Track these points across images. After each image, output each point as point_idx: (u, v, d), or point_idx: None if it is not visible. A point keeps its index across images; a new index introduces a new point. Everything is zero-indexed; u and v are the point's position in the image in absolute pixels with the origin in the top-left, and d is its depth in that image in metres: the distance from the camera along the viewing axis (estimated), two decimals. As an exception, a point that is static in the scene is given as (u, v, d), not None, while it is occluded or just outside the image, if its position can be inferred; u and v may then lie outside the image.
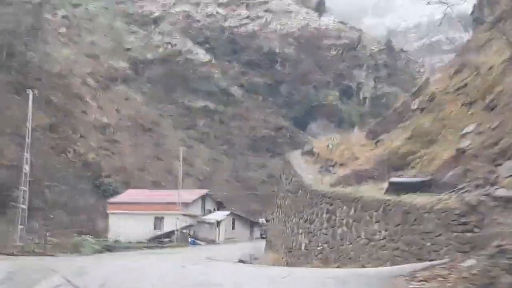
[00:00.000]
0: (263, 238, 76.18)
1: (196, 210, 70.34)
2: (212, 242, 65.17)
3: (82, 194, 70.54)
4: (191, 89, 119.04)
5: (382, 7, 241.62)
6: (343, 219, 17.46)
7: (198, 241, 63.87)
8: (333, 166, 23.18)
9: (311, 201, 20.39)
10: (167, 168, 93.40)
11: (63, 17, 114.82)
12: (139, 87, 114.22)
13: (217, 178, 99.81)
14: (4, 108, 73.13)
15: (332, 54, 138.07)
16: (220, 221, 68.56)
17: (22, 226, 42.75)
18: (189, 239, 63.50)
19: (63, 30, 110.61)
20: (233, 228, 72.34)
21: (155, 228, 66.73)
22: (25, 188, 46.28)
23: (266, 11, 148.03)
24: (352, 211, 16.75)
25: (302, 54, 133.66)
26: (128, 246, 50.34)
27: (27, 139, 46.61)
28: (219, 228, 67.80)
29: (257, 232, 78.09)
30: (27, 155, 45.83)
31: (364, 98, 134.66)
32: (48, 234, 41.75)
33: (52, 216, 59.23)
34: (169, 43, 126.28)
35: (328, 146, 26.30)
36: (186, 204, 66.71)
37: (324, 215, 19.13)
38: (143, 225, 64.19)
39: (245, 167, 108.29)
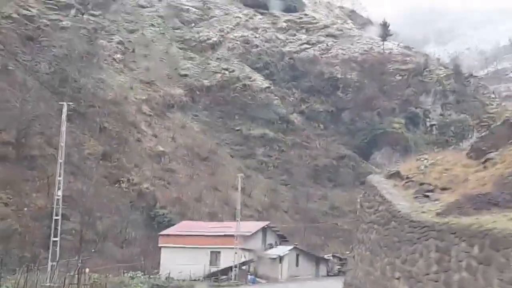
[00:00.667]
0: (329, 276, 72.27)
1: (256, 244, 65.59)
2: (274, 280, 60.80)
3: (135, 226, 68.20)
4: (249, 117, 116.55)
5: (445, 35, 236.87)
6: (461, 261, 13.48)
7: (259, 279, 59.64)
8: (432, 190, 19.33)
9: (411, 235, 16.29)
10: (224, 199, 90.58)
11: (118, 42, 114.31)
12: (196, 115, 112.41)
13: (276, 210, 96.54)
14: (54, 135, 71.60)
15: (397, 79, 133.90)
16: (283, 256, 63.90)
17: (53, 263, 36.96)
18: (249, 276, 59.09)
19: (118, 56, 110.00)
20: (296, 264, 67.65)
21: (210, 264, 62.19)
22: (56, 217, 40.06)
23: (327, 35, 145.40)
24: (476, 249, 12.77)
25: (366, 79, 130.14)
26: (181, 286, 46.09)
27: (59, 159, 40.57)
28: (281, 264, 63.21)
29: (323, 269, 73.69)
30: (59, 178, 39.98)
31: (431, 126, 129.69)
32: (87, 270, 36.45)
33: (94, 250, 56.40)
34: (227, 69, 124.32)
35: (419, 167, 22.49)
36: (245, 237, 61.86)
37: (432, 255, 15.11)
38: (198, 261, 59.59)
39: (306, 198, 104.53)
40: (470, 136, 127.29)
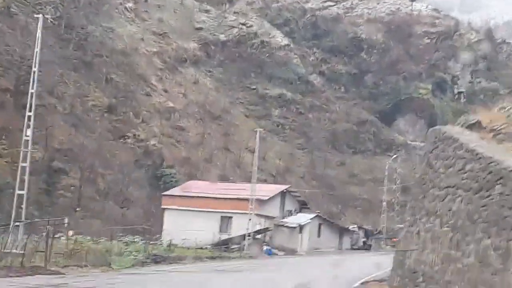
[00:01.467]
0: (354, 249, 67.81)
1: (274, 210, 59.55)
2: (292, 252, 55.42)
3: (139, 185, 64.48)
4: (266, 75, 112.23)
5: (469, 4, 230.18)
6: None
7: (275, 250, 54.17)
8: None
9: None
10: (236, 161, 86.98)
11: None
12: (210, 71, 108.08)
13: (291, 175, 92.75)
14: (57, 84, 67.80)
15: (425, 42, 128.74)
16: (304, 225, 58.44)
17: (18, 224, 32.21)
18: (264, 247, 53.38)
19: (129, 5, 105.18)
20: (318, 235, 62.40)
21: (220, 231, 56.75)
22: (24, 164, 35.67)
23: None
24: None
25: (391, 41, 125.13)
26: (183, 257, 38.80)
27: (30, 89, 36.39)
28: (302, 235, 57.93)
29: (346, 242, 68.74)
30: (29, 114, 36.17)
31: (459, 93, 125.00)
32: (70, 233, 31.51)
33: (78, 210, 51.53)
34: (244, 24, 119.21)
35: (509, 116, 18.07)
36: (261, 202, 56.11)
37: None
38: (206, 227, 53.78)
39: (323, 164, 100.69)
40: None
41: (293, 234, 57.15)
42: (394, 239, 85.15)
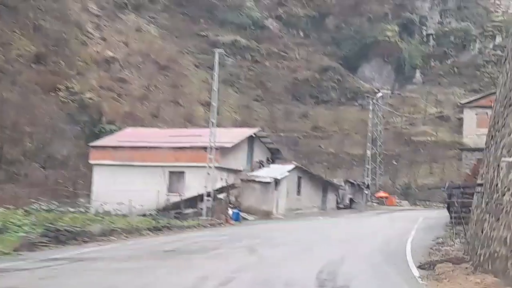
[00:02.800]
0: (340, 208, 61.23)
1: (240, 161, 48.69)
2: (267, 215, 45.49)
3: (72, 143, 57.76)
4: (217, 21, 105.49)
5: None
6: None
7: (244, 214, 43.53)
8: None
9: None
10: (187, 115, 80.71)
11: None
12: (153, 17, 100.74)
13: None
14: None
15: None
16: (280, 180, 47.87)
17: None
18: (230, 211, 42.23)
19: None
20: (298, 192, 52.39)
21: (169, 191, 45.39)
22: None
23: None
24: None
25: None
26: (109, 232, 25.73)
27: None
28: (278, 193, 47.65)
29: (331, 200, 59.65)
30: None
31: (428, 35, 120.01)
32: None
33: None
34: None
35: None
36: (223, 151, 45.23)
37: None
38: (149, 185, 43.34)
39: (284, 117, 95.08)
40: (472, 47, 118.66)
41: (267, 192, 46.88)
42: (382, 195, 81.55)
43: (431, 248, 23.05)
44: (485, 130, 48.15)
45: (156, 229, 30.13)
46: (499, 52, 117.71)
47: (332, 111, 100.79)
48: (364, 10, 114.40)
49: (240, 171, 48.44)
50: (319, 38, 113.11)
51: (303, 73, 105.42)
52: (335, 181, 63.26)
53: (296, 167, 52.43)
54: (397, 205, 74.20)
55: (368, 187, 74.64)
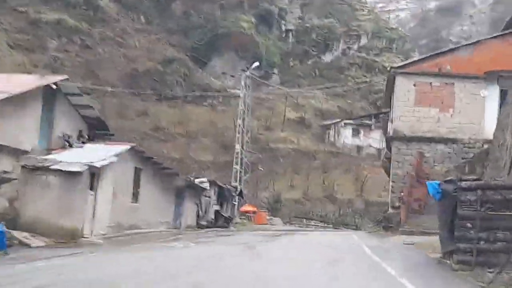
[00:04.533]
0: (201, 226, 42.13)
1: (25, 134, 26.06)
2: (71, 237, 24.54)
3: None
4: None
5: None
6: None
7: (23, 236, 23.01)
8: None
9: None
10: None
11: None
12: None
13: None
14: None
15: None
16: (102, 170, 26.90)
17: None
18: None
19: None
20: (135, 195, 31.64)
21: None
22: None
23: None
24: None
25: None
26: None
27: None
28: (97, 194, 26.71)
29: (189, 212, 40.93)
30: None
31: (288, 31, 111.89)
32: None
33: None
34: None
35: None
36: None
37: None
38: None
39: (118, 114, 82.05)
40: (335, 47, 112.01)
41: (73, 192, 25.55)
42: (248, 209, 65.26)
43: None
44: (429, 110, 35.32)
45: None
46: (364, 54, 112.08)
47: (177, 110, 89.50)
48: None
49: (26, 152, 26.10)
50: (164, 25, 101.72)
51: (144, 64, 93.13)
52: (196, 180, 42.89)
53: (133, 150, 31.11)
54: (268, 223, 61.68)
55: (241, 194, 59.36)
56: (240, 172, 64.26)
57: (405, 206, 33.14)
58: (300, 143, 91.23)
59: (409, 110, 36.99)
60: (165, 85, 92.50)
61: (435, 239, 19.22)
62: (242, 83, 68.46)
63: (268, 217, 65.27)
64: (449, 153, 36.70)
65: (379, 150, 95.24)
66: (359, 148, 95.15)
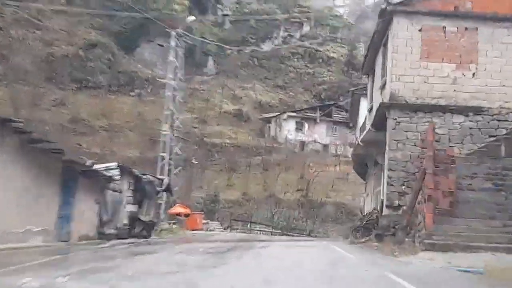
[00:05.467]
0: (103, 236, 28.62)
1: None
2: None
3: None
4: None
5: None
6: None
7: None
8: None
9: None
10: None
11: None
12: None
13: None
14: None
15: None
16: None
17: None
18: None
19: None
20: None
21: None
22: None
23: None
24: None
25: None
26: None
27: None
28: None
29: (86, 214, 27.25)
30: None
31: (224, 16, 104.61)
32: None
33: None
34: None
35: None
36: None
37: None
38: None
39: (32, 103, 73.82)
40: (275, 35, 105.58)
41: None
42: (180, 211, 51.99)
43: None
44: (441, 67, 26.42)
45: None
46: (307, 43, 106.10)
47: (99, 100, 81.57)
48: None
49: None
50: (86, 5, 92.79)
51: (63, 49, 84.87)
52: (100, 167, 29.18)
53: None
54: (204, 229, 53.08)
55: (169, 190, 44.71)
56: (170, 160, 52.23)
57: (431, 204, 20.15)
58: (238, 137, 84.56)
59: (413, 66, 26.42)
60: (86, 72, 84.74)
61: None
62: (171, 57, 58.54)
63: (204, 221, 56.63)
64: (470, 128, 26.16)
65: (325, 146, 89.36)
66: (303, 144, 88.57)
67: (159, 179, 41.88)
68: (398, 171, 26.19)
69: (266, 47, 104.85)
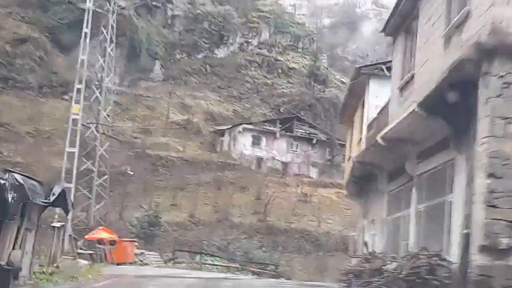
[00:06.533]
0: None
1: None
2: None
3: None
4: None
5: None
6: None
7: None
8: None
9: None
10: None
11: None
12: None
13: None
14: None
15: None
16: None
17: None
18: None
19: None
20: None
21: None
22: None
23: None
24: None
25: None
26: None
27: None
28: None
29: None
30: None
31: (174, 17, 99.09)
32: None
33: None
34: None
35: None
36: None
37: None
38: None
39: None
40: (231, 40, 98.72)
41: None
42: (103, 236, 43.65)
43: None
44: None
45: None
46: (265, 51, 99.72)
47: (27, 103, 74.15)
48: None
49: None
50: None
51: (-13, 43, 77.27)
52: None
53: None
54: (137, 262, 43.15)
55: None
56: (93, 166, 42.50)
57: None
58: (187, 151, 77.18)
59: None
60: (13, 71, 77.42)
61: None
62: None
63: (137, 251, 45.90)
64: None
65: (285, 164, 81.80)
66: (260, 161, 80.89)
67: (40, 183, 18.48)
68: (507, 178, 12.96)
69: (221, 53, 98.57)
